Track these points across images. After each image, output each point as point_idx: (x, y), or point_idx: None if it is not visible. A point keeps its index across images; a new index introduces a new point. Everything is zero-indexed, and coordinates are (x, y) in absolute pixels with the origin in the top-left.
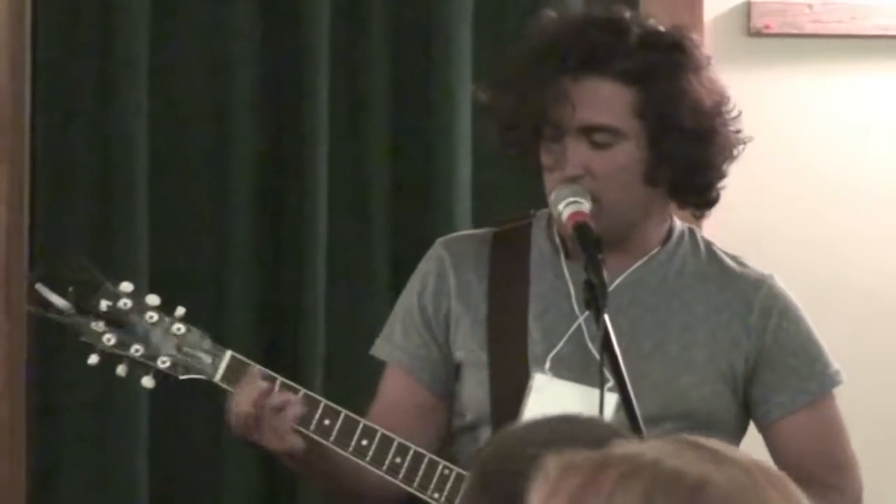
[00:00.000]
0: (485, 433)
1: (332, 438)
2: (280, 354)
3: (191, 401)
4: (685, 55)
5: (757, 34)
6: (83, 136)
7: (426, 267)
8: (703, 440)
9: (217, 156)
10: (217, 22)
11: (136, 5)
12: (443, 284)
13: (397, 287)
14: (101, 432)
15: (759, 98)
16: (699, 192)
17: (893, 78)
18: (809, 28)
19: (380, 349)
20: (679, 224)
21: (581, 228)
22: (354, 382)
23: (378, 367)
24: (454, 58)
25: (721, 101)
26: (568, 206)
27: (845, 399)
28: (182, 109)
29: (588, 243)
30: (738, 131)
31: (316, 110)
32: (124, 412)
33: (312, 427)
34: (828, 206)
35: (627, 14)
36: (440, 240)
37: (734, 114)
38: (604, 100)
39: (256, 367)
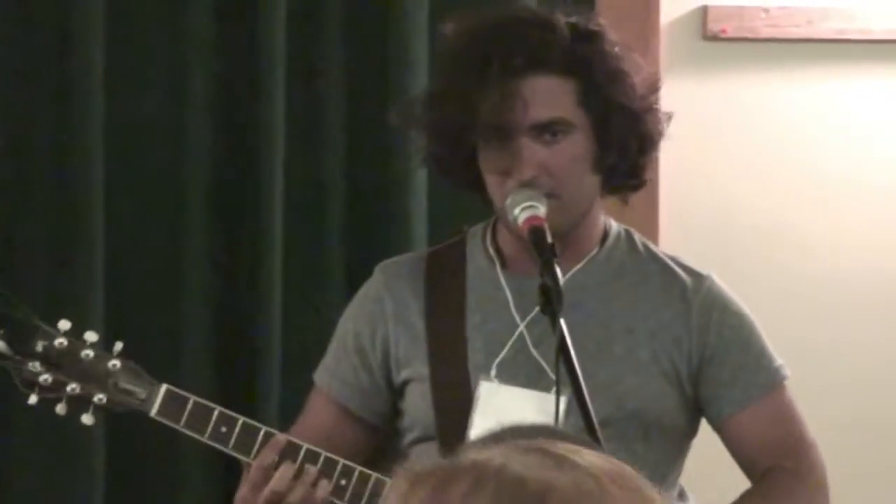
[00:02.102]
0: (428, 448)
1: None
2: (236, 357)
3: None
4: (610, 42)
5: (713, 38)
6: (40, 139)
7: (364, 292)
8: (551, 445)
9: (173, 158)
10: (172, 24)
11: (92, 8)
12: (378, 309)
13: (353, 290)
14: (56, 433)
15: (714, 102)
16: (639, 173)
17: (848, 81)
18: (765, 32)
19: (317, 373)
20: (615, 225)
21: (536, 233)
22: (310, 386)
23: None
24: (410, 60)
25: (650, 80)
26: (524, 210)
27: (810, 389)
28: (138, 112)
29: (543, 247)
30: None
31: (272, 113)
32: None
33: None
34: (783, 203)
35: (547, 10)
36: (378, 265)
37: (660, 93)
38: (551, 95)
39: (283, 437)
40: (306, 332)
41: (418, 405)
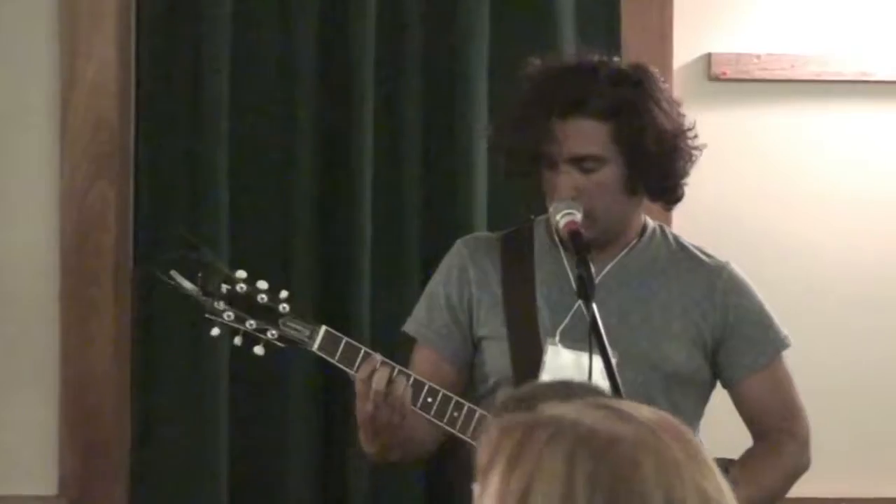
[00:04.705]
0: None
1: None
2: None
3: (264, 371)
4: (646, 90)
5: (716, 79)
6: (176, 158)
7: (450, 261)
8: (614, 402)
9: (285, 174)
10: (283, 77)
11: (220, 49)
12: (465, 275)
13: (426, 281)
14: (191, 392)
15: (718, 130)
16: (668, 193)
17: (825, 113)
18: (758, 74)
19: (409, 326)
20: (651, 222)
21: (574, 235)
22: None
23: (404, 338)
24: (473, 98)
25: (679, 123)
26: (564, 216)
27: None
28: (255, 146)
29: (579, 246)
30: (696, 139)
31: (363, 141)
32: (210, 368)
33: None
34: (773, 212)
35: (596, 58)
36: (460, 239)
37: (690, 129)
38: (586, 134)
39: (379, 357)
40: (389, 316)
41: (496, 359)
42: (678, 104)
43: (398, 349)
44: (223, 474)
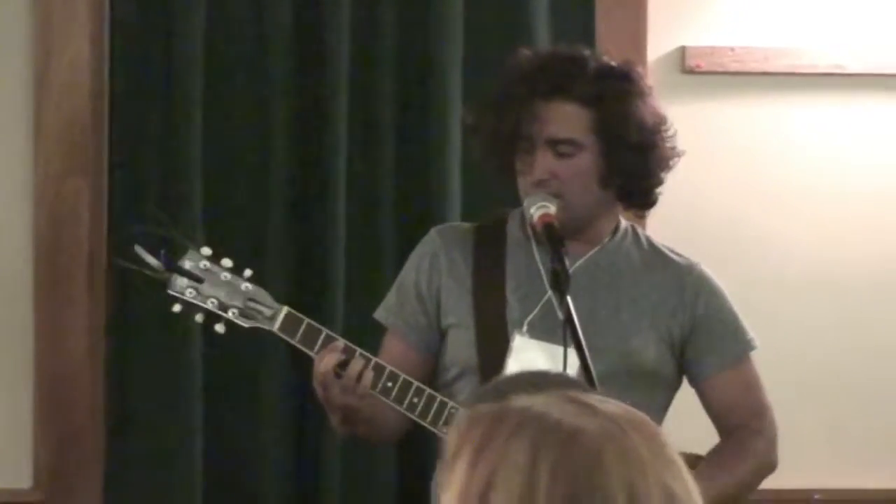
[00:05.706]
0: (470, 383)
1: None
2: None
3: (238, 363)
4: (632, 83)
5: (690, 72)
6: (150, 155)
7: (422, 250)
8: (582, 395)
9: (259, 170)
10: (258, 68)
11: (192, 54)
12: (435, 264)
13: (399, 270)
14: (165, 385)
15: (692, 123)
16: (642, 195)
17: (798, 106)
18: (732, 67)
19: (379, 313)
20: (623, 221)
21: (548, 228)
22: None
23: (376, 324)
24: (447, 91)
25: (660, 121)
26: (538, 209)
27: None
28: (230, 135)
29: (554, 239)
30: (674, 147)
31: (337, 133)
32: (183, 360)
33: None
34: (744, 204)
35: (585, 51)
36: (435, 228)
37: (670, 132)
38: (567, 118)
39: (342, 341)
40: (362, 303)
41: (462, 348)
42: (660, 108)
43: (371, 339)
44: (198, 466)
